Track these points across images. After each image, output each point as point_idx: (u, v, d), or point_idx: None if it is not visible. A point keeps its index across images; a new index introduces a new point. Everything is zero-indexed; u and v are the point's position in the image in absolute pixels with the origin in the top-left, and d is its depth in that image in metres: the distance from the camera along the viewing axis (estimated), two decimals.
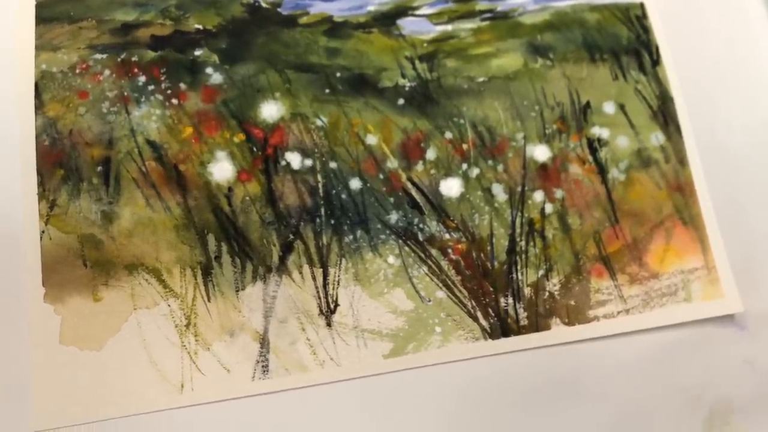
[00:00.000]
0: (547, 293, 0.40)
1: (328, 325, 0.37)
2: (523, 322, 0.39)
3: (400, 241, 0.39)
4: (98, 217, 0.36)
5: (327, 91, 0.41)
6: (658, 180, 0.43)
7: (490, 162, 0.41)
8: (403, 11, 0.43)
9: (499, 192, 0.41)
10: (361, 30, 0.42)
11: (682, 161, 0.43)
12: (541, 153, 0.42)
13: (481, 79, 0.43)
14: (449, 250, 0.39)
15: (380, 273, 0.38)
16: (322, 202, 0.39)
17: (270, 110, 0.40)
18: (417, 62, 0.42)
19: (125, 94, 0.39)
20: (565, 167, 0.42)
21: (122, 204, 0.37)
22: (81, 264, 0.36)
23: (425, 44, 0.43)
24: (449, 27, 0.44)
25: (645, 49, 0.46)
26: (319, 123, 0.40)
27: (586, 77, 0.44)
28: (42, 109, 0.38)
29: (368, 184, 0.40)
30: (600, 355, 0.39)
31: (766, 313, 0.41)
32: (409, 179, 0.40)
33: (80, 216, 0.36)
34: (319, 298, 0.37)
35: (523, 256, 0.40)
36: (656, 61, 0.45)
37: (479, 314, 0.39)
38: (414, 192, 0.40)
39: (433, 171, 0.41)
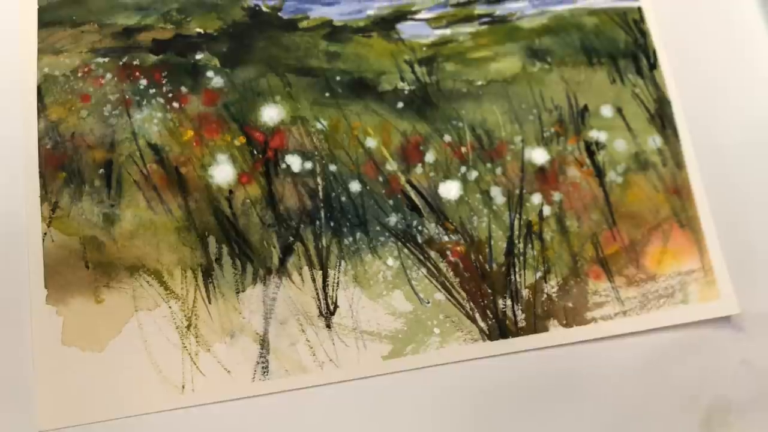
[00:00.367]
0: (545, 295, 0.40)
1: (328, 326, 0.37)
2: (521, 323, 0.39)
3: (399, 243, 0.39)
4: (100, 219, 0.37)
5: (327, 94, 0.41)
6: (655, 183, 0.43)
7: (488, 165, 0.42)
8: (402, 15, 0.44)
9: (498, 195, 0.41)
10: (361, 34, 0.43)
11: (679, 164, 0.44)
12: (539, 156, 0.42)
13: (479, 83, 0.43)
14: (448, 252, 0.40)
15: (379, 275, 0.39)
16: (321, 204, 0.39)
17: (270, 113, 0.40)
18: (416, 66, 0.43)
19: (127, 97, 0.39)
20: (562, 170, 0.42)
21: (124, 206, 0.37)
22: (83, 266, 0.36)
23: (424, 48, 0.43)
24: (448, 31, 0.44)
25: (642, 53, 0.46)
26: (319, 126, 0.41)
27: (584, 81, 0.44)
28: (44, 112, 0.38)
29: (368, 187, 0.40)
30: (597, 357, 0.40)
31: (762, 314, 0.42)
32: (409, 182, 0.41)
33: (82, 218, 0.37)
34: (319, 299, 0.38)
35: (521, 258, 0.40)
36: (654, 65, 0.46)
37: (477, 316, 0.39)
38: (413, 194, 0.40)
39: (432, 174, 0.41)
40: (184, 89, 0.40)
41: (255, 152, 0.39)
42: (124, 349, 0.35)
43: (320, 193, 0.39)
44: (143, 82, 0.39)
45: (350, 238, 0.39)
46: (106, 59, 0.39)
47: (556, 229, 0.41)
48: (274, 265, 0.38)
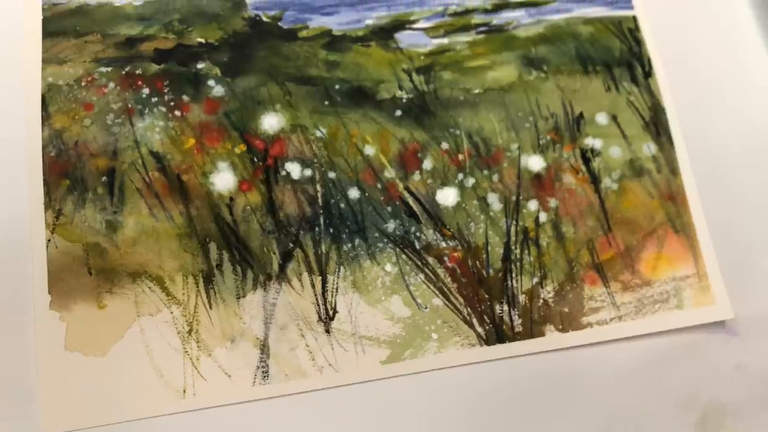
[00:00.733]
0: (541, 300, 0.40)
1: (327, 331, 0.38)
2: (518, 328, 0.40)
3: (398, 249, 0.40)
4: (103, 226, 0.37)
5: (326, 102, 0.42)
6: (650, 189, 0.44)
7: (485, 172, 0.42)
8: (400, 25, 0.45)
9: (495, 201, 0.42)
10: (360, 43, 0.44)
11: (674, 171, 0.44)
12: (535, 163, 0.43)
13: (476, 91, 0.44)
14: (445, 258, 0.40)
15: (378, 280, 0.39)
16: (321, 211, 0.40)
17: (270, 122, 0.41)
18: (414, 74, 0.43)
19: (129, 106, 0.40)
20: (558, 177, 0.43)
21: (126, 213, 0.38)
22: (86, 272, 0.36)
23: (422, 57, 0.44)
24: (445, 40, 0.45)
25: (637, 61, 0.47)
26: (318, 134, 0.41)
27: (580, 89, 0.45)
28: (48, 120, 0.38)
29: (366, 194, 0.41)
30: (593, 361, 0.40)
31: (756, 319, 0.42)
32: (407, 189, 0.41)
33: (85, 225, 0.37)
34: (318, 305, 0.38)
35: (518, 263, 0.41)
36: (648, 73, 0.46)
37: (475, 321, 0.39)
38: (411, 201, 0.41)
39: (429, 181, 0.42)
40: (185, 98, 0.40)
41: (255, 160, 0.40)
42: (126, 354, 0.36)
43: (319, 200, 0.40)
44: (145, 91, 0.40)
45: (349, 245, 0.39)
46: (109, 69, 0.40)
47: (552, 235, 0.42)
48: (274, 271, 0.38)
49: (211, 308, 0.37)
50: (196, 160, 0.39)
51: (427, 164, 0.42)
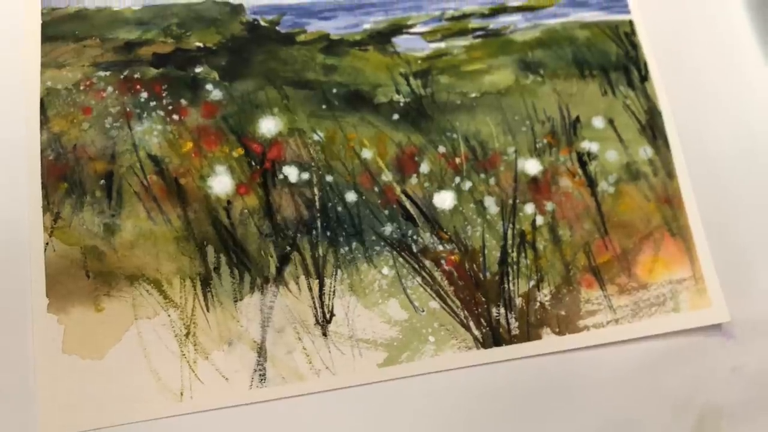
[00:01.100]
0: (538, 303, 0.41)
1: (324, 334, 0.38)
2: (515, 331, 0.40)
3: (395, 252, 0.40)
4: (101, 229, 0.37)
5: (324, 106, 0.42)
6: (646, 192, 0.44)
7: (482, 175, 0.42)
8: (397, 29, 0.45)
9: (491, 204, 0.42)
10: (357, 47, 0.44)
11: (670, 174, 0.45)
12: (532, 166, 0.43)
13: (473, 95, 0.44)
14: (442, 261, 0.40)
15: (375, 284, 0.39)
16: (318, 214, 0.40)
17: (268, 125, 0.41)
18: (411, 79, 0.44)
19: (128, 110, 0.40)
20: (555, 180, 0.43)
21: (124, 216, 0.38)
22: (84, 275, 0.37)
23: (419, 61, 0.44)
24: (443, 44, 0.45)
25: (634, 65, 0.47)
26: (316, 138, 0.41)
27: (576, 93, 0.45)
28: (47, 124, 0.39)
29: (363, 197, 0.41)
30: (590, 364, 0.40)
31: (753, 322, 0.42)
32: (404, 192, 0.41)
33: (83, 228, 0.37)
34: (315, 308, 0.38)
35: (515, 267, 0.41)
36: (645, 77, 0.47)
37: (472, 324, 0.39)
38: (408, 204, 0.41)
39: (426, 184, 0.42)
40: (183, 102, 0.40)
41: (253, 163, 0.40)
42: (123, 356, 0.36)
43: (317, 204, 0.40)
44: (144, 95, 0.40)
45: (346, 248, 0.39)
46: (108, 73, 0.40)
47: (548, 238, 0.42)
48: (272, 274, 0.38)
49: (208, 311, 0.37)
50: (194, 163, 0.39)
51: (424, 168, 0.42)
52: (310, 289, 0.38)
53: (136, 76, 0.40)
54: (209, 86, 0.41)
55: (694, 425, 0.40)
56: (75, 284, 0.36)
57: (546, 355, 0.40)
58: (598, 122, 0.45)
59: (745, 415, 0.41)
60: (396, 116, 0.43)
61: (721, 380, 0.41)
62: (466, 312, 0.40)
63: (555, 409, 0.39)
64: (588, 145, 0.44)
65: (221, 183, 0.39)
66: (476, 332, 0.39)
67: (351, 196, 0.41)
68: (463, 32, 0.46)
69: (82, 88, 0.40)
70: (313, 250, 0.39)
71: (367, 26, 0.44)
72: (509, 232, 0.42)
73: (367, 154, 0.42)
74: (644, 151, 0.45)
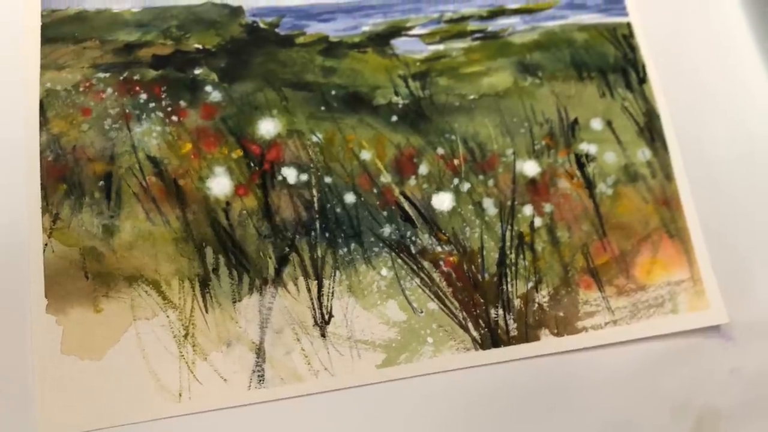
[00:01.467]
0: (536, 305, 0.41)
1: (323, 335, 0.38)
2: (513, 332, 0.40)
3: (393, 253, 0.40)
4: (99, 230, 0.38)
5: (323, 108, 0.42)
6: (644, 194, 0.44)
7: (480, 177, 0.42)
8: (396, 32, 0.45)
9: (490, 206, 0.42)
10: (356, 49, 0.44)
11: (668, 176, 0.45)
12: (530, 168, 0.43)
13: (472, 97, 0.44)
14: (441, 263, 0.40)
15: (373, 285, 0.39)
16: (317, 215, 0.40)
17: (267, 127, 0.41)
18: (410, 80, 0.44)
19: (127, 111, 0.40)
20: (553, 182, 0.43)
21: (123, 218, 0.38)
22: (82, 276, 0.37)
23: (418, 63, 0.44)
24: (441, 47, 0.45)
25: (632, 68, 0.47)
26: (314, 139, 0.41)
27: (575, 95, 0.45)
28: (46, 125, 0.39)
29: (362, 199, 0.41)
30: (588, 366, 0.40)
31: (751, 323, 0.42)
32: (402, 193, 0.41)
33: (82, 229, 0.37)
34: (314, 309, 0.38)
35: (513, 268, 0.41)
36: (643, 79, 0.47)
37: (470, 325, 0.40)
38: (407, 206, 0.41)
39: (425, 185, 0.42)
40: (183, 103, 0.41)
41: (252, 165, 0.40)
42: (122, 357, 0.36)
43: (315, 205, 0.40)
44: (143, 96, 0.40)
45: (345, 249, 0.40)
46: (107, 74, 0.40)
47: (547, 239, 0.42)
48: (270, 276, 0.38)
49: (207, 312, 0.37)
50: (193, 164, 0.40)
51: (423, 169, 0.42)
52: (309, 291, 0.39)
53: (135, 77, 0.41)
54: (208, 88, 0.41)
55: (692, 427, 0.40)
56: (74, 285, 0.36)
57: (544, 357, 0.40)
58: (597, 124, 0.45)
59: (743, 417, 0.41)
60: (395, 118, 0.43)
61: (720, 382, 0.41)
62: (464, 313, 0.40)
63: (553, 410, 0.39)
64: (586, 147, 0.44)
65: (220, 184, 0.39)
66: (475, 333, 0.39)
67: (350, 198, 0.41)
68: (461, 34, 0.46)
69: (81, 89, 0.40)
70: (311, 251, 0.39)
71: (366, 28, 0.45)
72: (507, 233, 0.42)
73: (365, 155, 0.42)
74: (642, 153, 0.45)
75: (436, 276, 0.40)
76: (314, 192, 0.40)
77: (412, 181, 0.42)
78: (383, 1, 0.46)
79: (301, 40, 0.44)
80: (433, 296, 0.40)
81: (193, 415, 0.36)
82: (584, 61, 0.46)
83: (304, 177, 0.40)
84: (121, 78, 0.40)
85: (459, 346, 0.39)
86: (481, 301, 0.40)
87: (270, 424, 0.36)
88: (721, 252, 0.43)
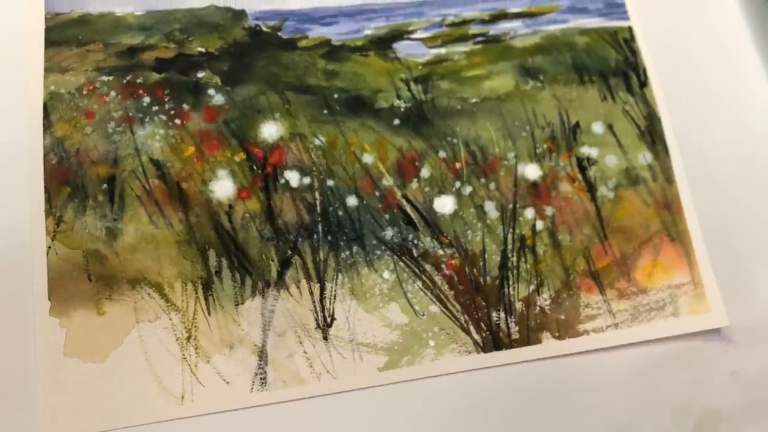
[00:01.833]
0: (537, 308, 0.41)
1: (325, 338, 0.38)
2: (515, 335, 0.40)
3: (395, 256, 0.40)
4: (103, 233, 0.38)
5: (325, 111, 0.42)
6: (645, 198, 0.44)
7: (482, 180, 0.43)
8: (398, 35, 0.45)
9: (491, 209, 0.42)
10: (358, 53, 0.44)
11: (669, 179, 0.45)
12: (531, 171, 0.43)
13: (473, 100, 0.44)
14: (443, 266, 0.40)
15: (375, 288, 0.39)
16: (319, 218, 0.40)
17: (270, 130, 0.41)
18: (412, 84, 0.44)
19: (130, 114, 0.40)
20: (555, 185, 0.43)
21: (126, 220, 0.38)
22: (86, 279, 0.37)
23: (420, 67, 0.44)
24: (443, 50, 0.45)
25: (633, 71, 0.47)
26: (317, 142, 0.42)
27: (576, 98, 0.46)
28: (50, 128, 0.39)
29: (364, 202, 0.41)
30: (589, 369, 0.40)
31: (751, 327, 0.42)
32: (404, 197, 0.42)
33: (85, 232, 0.37)
34: (316, 312, 0.38)
35: (515, 271, 0.41)
36: (644, 83, 0.47)
37: (472, 328, 0.40)
38: (409, 209, 0.41)
39: (427, 189, 0.42)
40: (185, 106, 0.41)
41: (254, 168, 0.40)
42: (125, 360, 0.36)
43: (318, 208, 0.40)
44: (146, 99, 0.40)
45: (347, 252, 0.40)
46: (111, 77, 0.40)
47: (548, 243, 0.42)
48: (273, 278, 0.39)
49: (209, 315, 0.37)
50: (196, 167, 0.40)
51: (425, 172, 0.42)
52: (311, 293, 0.39)
53: (138, 80, 0.41)
54: (211, 91, 0.41)
55: (693, 429, 0.40)
56: (77, 288, 0.36)
57: (546, 360, 0.40)
58: (598, 128, 0.45)
59: (743, 420, 0.41)
60: (397, 121, 0.43)
61: (720, 385, 0.41)
62: (466, 316, 0.40)
63: (555, 412, 0.39)
64: (587, 151, 0.45)
65: (223, 187, 0.40)
66: (476, 336, 0.40)
67: (352, 201, 0.41)
68: (463, 38, 0.46)
69: (85, 92, 0.40)
70: (314, 254, 0.39)
71: (368, 32, 0.45)
72: (509, 236, 0.42)
73: (368, 158, 0.42)
74: (643, 157, 0.45)
75: (438, 279, 0.40)
76: (317, 195, 0.40)
77: (414, 185, 0.42)
78: (385, 4, 0.46)
79: (303, 43, 0.44)
80: (434, 299, 0.40)
81: (195, 417, 0.36)
82: (585, 64, 0.47)
83: (306, 180, 0.41)
84: (125, 81, 0.41)
85: (461, 349, 0.39)
86: (483, 304, 0.40)
87: (272, 426, 0.36)
88: (721, 255, 0.44)
